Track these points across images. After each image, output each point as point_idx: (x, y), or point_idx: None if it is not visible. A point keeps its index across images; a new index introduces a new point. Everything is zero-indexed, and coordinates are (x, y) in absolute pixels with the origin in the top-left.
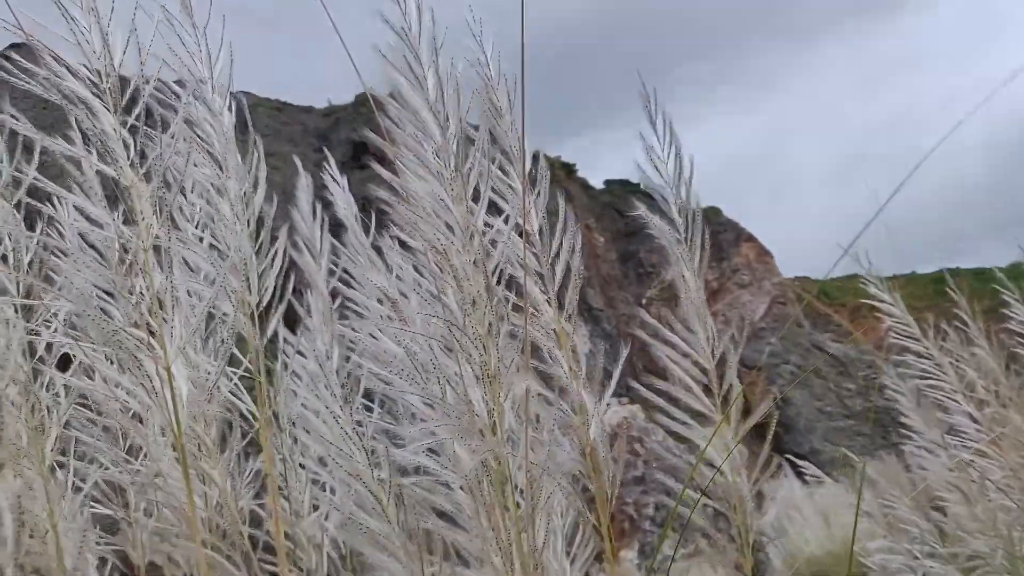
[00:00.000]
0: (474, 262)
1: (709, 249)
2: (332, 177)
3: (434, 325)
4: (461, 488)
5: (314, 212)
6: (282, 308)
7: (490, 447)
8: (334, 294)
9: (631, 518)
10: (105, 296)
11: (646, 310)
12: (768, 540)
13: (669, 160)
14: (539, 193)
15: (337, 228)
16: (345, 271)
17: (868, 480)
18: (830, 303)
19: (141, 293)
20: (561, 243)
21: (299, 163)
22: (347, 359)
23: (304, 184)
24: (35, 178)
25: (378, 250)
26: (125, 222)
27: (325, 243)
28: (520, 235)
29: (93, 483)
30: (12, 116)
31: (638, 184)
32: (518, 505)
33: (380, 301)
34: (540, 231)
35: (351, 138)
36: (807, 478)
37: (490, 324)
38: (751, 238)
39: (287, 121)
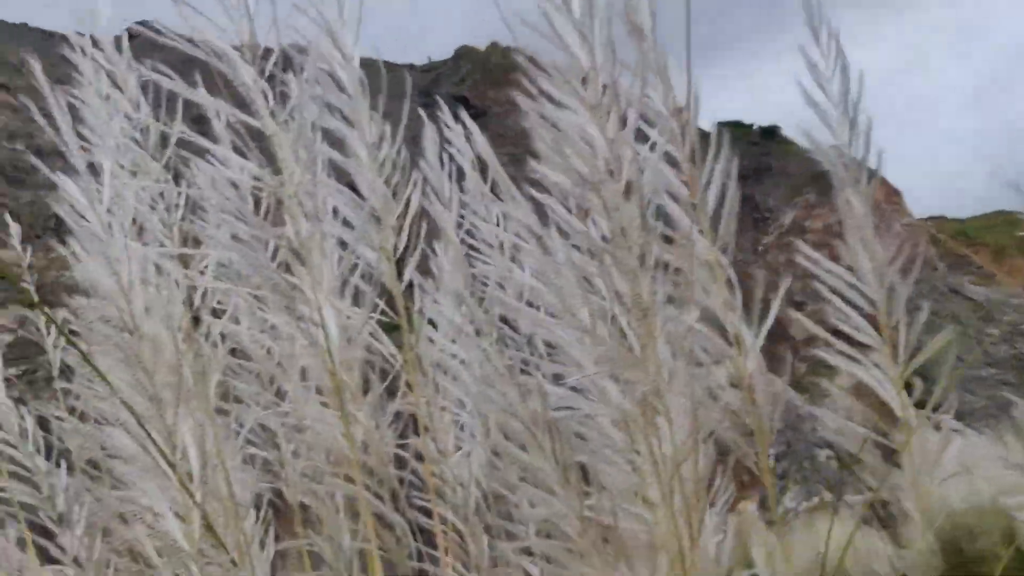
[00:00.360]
0: (624, 191)
1: (877, 175)
2: (447, 126)
3: (579, 260)
4: (612, 423)
5: (441, 161)
6: (417, 254)
7: (647, 381)
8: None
9: (750, 470)
10: (247, 245)
11: (763, 257)
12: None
13: (835, 77)
14: (688, 117)
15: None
16: (464, 215)
17: (1020, 431)
18: (969, 243)
19: (288, 239)
20: (713, 169)
21: (424, 115)
22: (478, 301)
23: (430, 134)
24: (182, 132)
25: (496, 195)
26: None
27: (453, 191)
28: (668, 163)
29: (249, 427)
30: (163, 73)
31: (751, 125)
32: (673, 438)
33: (519, 237)
34: (692, 156)
35: (451, 93)
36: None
37: (642, 256)
38: (871, 178)
39: (389, 80)
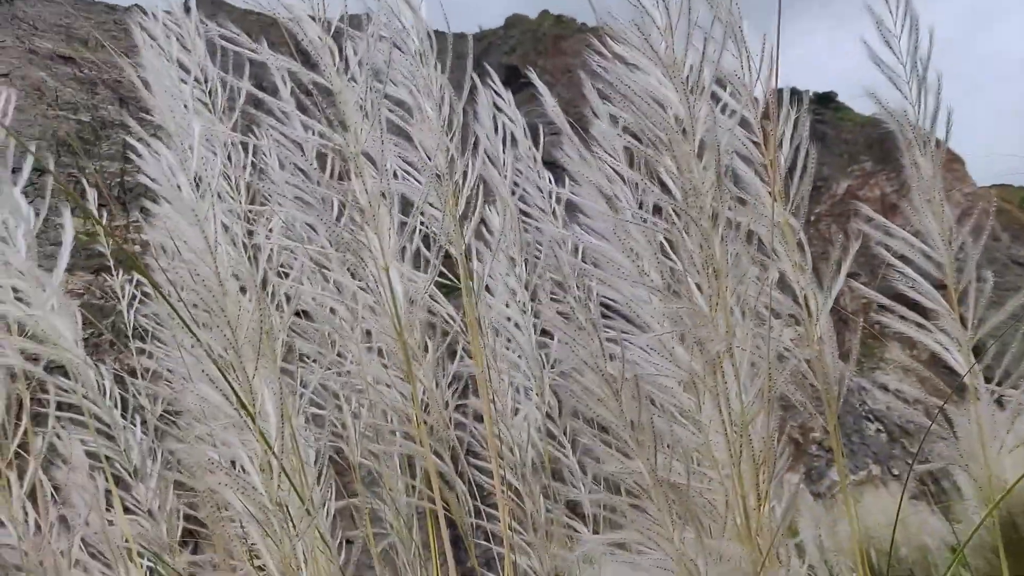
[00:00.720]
0: (697, 151)
1: (948, 134)
2: (497, 93)
3: (650, 224)
4: (679, 383)
5: (496, 127)
6: (476, 217)
7: (718, 340)
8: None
9: (796, 442)
10: (312, 205)
11: (815, 227)
12: (959, 467)
13: (903, 34)
14: (761, 78)
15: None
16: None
17: None
18: None
19: (354, 195)
20: (785, 131)
21: (477, 80)
22: (527, 264)
23: (485, 101)
24: (249, 91)
25: (551, 165)
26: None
27: (508, 156)
28: (741, 124)
29: (312, 387)
30: (231, 34)
31: (806, 91)
32: (741, 398)
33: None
34: (765, 113)
35: (502, 62)
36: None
37: (714, 215)
38: (938, 142)
39: (441, 48)
